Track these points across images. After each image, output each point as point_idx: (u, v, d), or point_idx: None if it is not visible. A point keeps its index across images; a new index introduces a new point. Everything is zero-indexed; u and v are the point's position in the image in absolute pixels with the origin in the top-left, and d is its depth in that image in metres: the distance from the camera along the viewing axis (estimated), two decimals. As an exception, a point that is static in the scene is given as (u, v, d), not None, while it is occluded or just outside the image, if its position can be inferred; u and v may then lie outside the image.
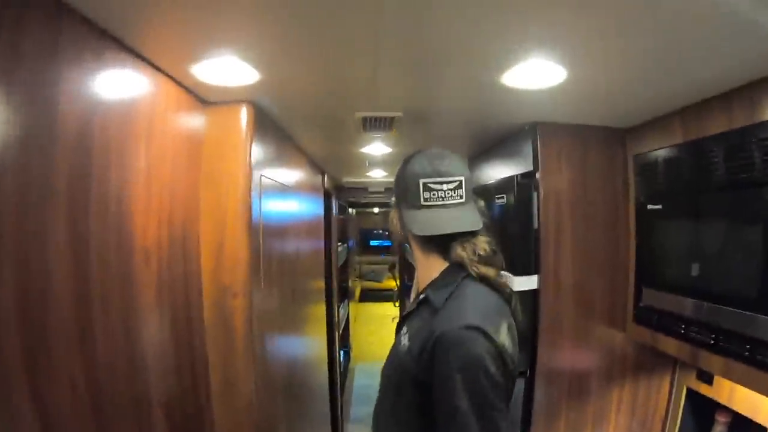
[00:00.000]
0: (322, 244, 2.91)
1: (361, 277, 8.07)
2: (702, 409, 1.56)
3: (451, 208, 0.97)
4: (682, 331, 1.33)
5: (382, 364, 1.03)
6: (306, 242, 2.27)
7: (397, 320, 1.19)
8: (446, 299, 0.91)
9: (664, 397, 1.71)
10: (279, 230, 1.65)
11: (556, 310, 1.60)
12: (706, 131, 1.24)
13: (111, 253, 0.90)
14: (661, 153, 1.43)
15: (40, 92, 0.72)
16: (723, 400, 1.43)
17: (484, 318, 0.86)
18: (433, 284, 0.98)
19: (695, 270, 1.28)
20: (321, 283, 2.91)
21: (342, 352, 4.20)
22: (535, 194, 1.61)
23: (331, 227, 3.32)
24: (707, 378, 1.50)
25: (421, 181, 0.97)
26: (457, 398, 0.80)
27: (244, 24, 0.88)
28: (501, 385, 0.84)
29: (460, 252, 0.95)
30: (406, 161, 1.03)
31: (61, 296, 0.76)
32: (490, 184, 1.94)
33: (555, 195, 1.61)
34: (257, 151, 1.35)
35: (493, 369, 0.82)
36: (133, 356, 0.97)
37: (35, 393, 0.69)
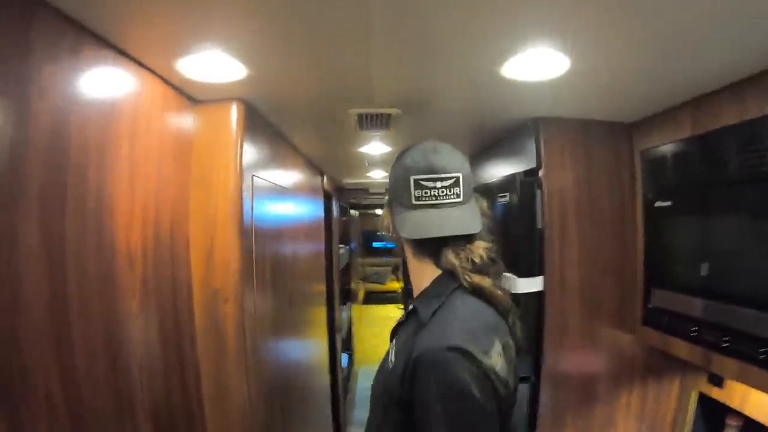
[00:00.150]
0: (322, 246, 2.87)
1: (365, 279, 8.02)
2: (712, 413, 1.51)
3: (446, 209, 0.87)
4: (694, 334, 1.27)
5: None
6: (304, 244, 2.22)
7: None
8: (433, 313, 0.82)
9: (673, 400, 1.66)
10: (274, 232, 1.60)
11: (561, 312, 1.55)
12: (717, 123, 1.19)
13: (90, 256, 0.86)
14: (670, 147, 1.38)
15: (9, 89, 0.68)
16: (734, 404, 1.39)
17: (471, 337, 0.76)
18: (424, 294, 0.89)
19: (707, 269, 1.23)
20: (321, 286, 2.87)
21: (345, 355, 4.16)
22: (538, 193, 1.56)
23: (331, 229, 3.27)
24: (718, 381, 1.45)
25: (412, 178, 0.88)
26: (437, 429, 0.72)
27: (229, 16, 0.84)
28: (489, 414, 0.74)
29: (452, 259, 0.86)
30: (399, 156, 0.95)
31: (33, 301, 0.72)
32: (491, 182, 1.89)
33: (559, 193, 1.56)
34: (249, 151, 1.31)
35: (479, 396, 0.72)
36: (116, 366, 0.93)
37: (5, 409, 0.65)
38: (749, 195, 1.09)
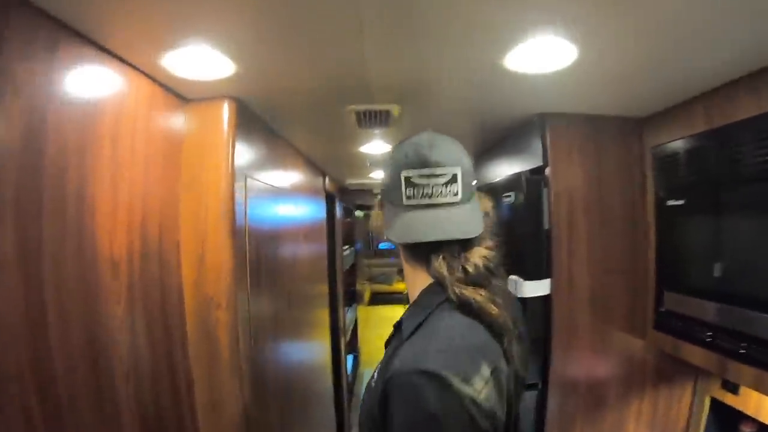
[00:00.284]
0: (324, 247, 2.82)
1: (371, 280, 7.99)
2: (726, 420, 1.46)
3: (442, 209, 0.77)
4: (708, 339, 1.22)
5: None
6: (305, 246, 2.18)
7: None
8: (415, 328, 0.71)
9: (685, 406, 1.60)
10: (270, 234, 1.56)
11: (569, 316, 1.50)
12: (733, 117, 1.13)
13: (69, 262, 0.83)
14: (682, 143, 1.32)
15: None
16: (749, 410, 1.34)
17: (450, 360, 0.64)
18: (413, 305, 0.80)
19: (722, 271, 1.18)
20: (323, 288, 2.82)
21: (350, 357, 4.12)
22: (545, 192, 1.51)
23: (335, 230, 3.23)
24: (732, 387, 1.40)
25: (403, 174, 0.78)
26: None
27: (215, 10, 0.80)
28: None
29: (440, 267, 0.75)
30: (392, 150, 0.86)
31: (7, 307, 0.69)
32: (496, 182, 1.83)
33: (567, 192, 1.50)
34: (242, 151, 1.26)
35: (449, 430, 0.61)
36: (99, 375, 0.89)
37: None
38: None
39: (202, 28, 0.86)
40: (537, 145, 1.54)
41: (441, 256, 0.76)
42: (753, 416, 1.32)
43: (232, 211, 1.17)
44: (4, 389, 0.67)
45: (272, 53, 0.97)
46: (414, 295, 0.82)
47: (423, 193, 0.77)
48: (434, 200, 0.77)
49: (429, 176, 0.77)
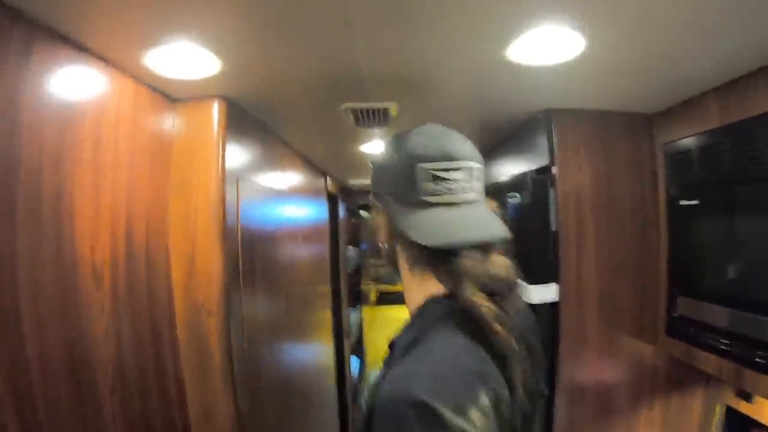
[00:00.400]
0: (325, 248, 2.78)
1: (377, 280, 7.95)
2: (738, 427, 1.40)
3: (465, 207, 0.69)
4: (723, 347, 1.16)
5: None
6: (305, 248, 2.13)
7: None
8: (407, 347, 0.63)
9: (697, 414, 1.54)
10: (266, 237, 1.51)
11: (578, 321, 1.45)
12: (750, 111, 1.07)
13: (47, 271, 0.79)
14: (695, 140, 1.25)
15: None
16: (764, 419, 1.28)
17: (445, 387, 0.55)
18: (412, 320, 0.72)
19: (738, 275, 1.12)
20: (325, 289, 2.78)
21: (355, 359, 4.08)
22: (551, 192, 1.45)
23: (338, 231, 3.19)
24: (746, 394, 1.34)
25: (422, 166, 0.68)
26: None
27: (195, 5, 0.76)
28: None
29: (465, 270, 0.65)
30: (396, 141, 0.75)
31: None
32: (500, 182, 1.78)
33: (575, 192, 1.44)
34: (234, 153, 1.22)
35: None
36: (83, 391, 0.85)
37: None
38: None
39: (183, 25, 0.82)
40: (543, 143, 1.49)
41: (466, 261, 0.66)
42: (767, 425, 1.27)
43: (223, 214, 1.13)
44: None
45: (257, 49, 0.93)
46: (413, 307, 0.73)
47: (446, 187, 0.68)
48: (457, 197, 0.69)
49: (453, 170, 0.69)
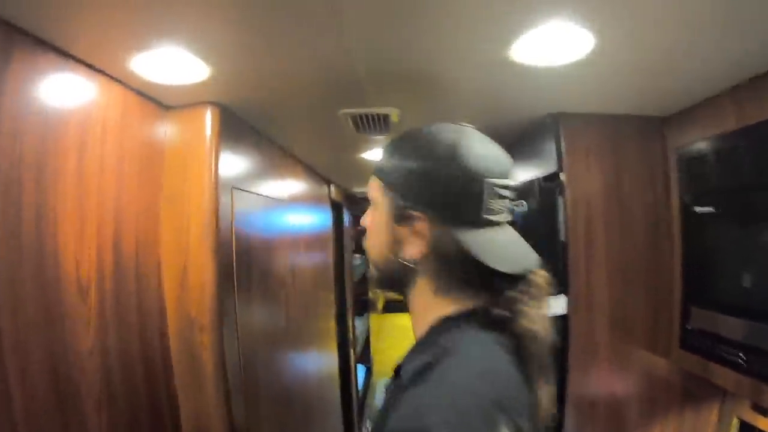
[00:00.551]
0: (329, 257, 2.73)
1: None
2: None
3: (505, 228, 0.66)
4: (740, 361, 1.11)
5: None
6: (306, 257, 2.09)
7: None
8: (417, 373, 0.56)
9: (712, 429, 1.46)
10: (264, 247, 1.47)
11: (588, 334, 1.39)
12: (768, 112, 1.01)
13: (27, 286, 0.76)
14: (710, 143, 1.19)
15: None
16: None
17: (461, 421, 0.49)
18: (422, 343, 0.65)
19: (756, 286, 1.07)
20: (329, 298, 2.73)
21: (361, 368, 4.03)
22: (560, 200, 1.40)
23: (343, 240, 3.15)
24: (763, 410, 1.28)
25: (490, 182, 0.62)
26: None
27: (180, 9, 0.73)
28: None
29: (519, 303, 0.61)
30: (444, 147, 0.65)
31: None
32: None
33: (584, 200, 1.39)
34: (228, 162, 1.18)
35: None
36: (66, 410, 0.82)
37: None
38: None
39: (168, 29, 0.79)
40: (550, 149, 1.43)
41: (524, 287, 0.62)
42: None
43: (216, 226, 1.09)
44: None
45: (246, 54, 0.89)
46: (422, 329, 0.66)
47: (503, 207, 0.65)
48: (504, 216, 0.66)
49: (510, 188, 0.66)
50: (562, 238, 1.39)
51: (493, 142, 0.68)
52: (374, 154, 1.98)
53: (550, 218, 1.41)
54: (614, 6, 0.74)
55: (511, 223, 0.70)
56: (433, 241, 0.65)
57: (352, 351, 3.28)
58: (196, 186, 1.09)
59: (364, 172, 2.50)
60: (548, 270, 0.68)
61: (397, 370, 0.64)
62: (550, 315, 0.67)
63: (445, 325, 0.63)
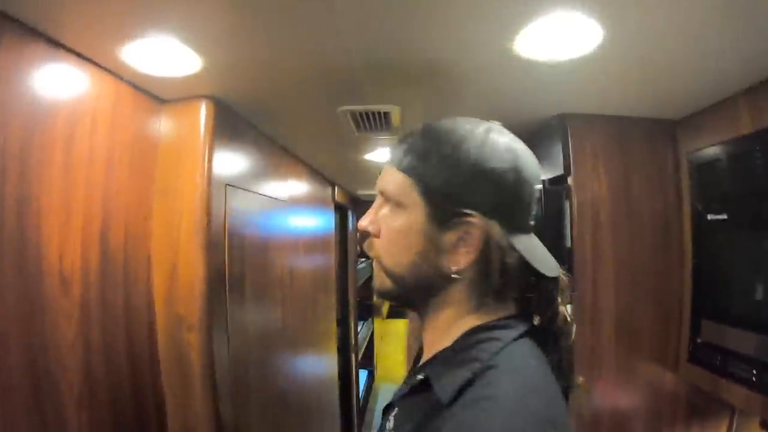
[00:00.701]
0: (330, 260, 2.70)
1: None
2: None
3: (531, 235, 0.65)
4: (752, 377, 1.06)
5: None
6: (306, 259, 2.06)
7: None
8: (459, 392, 0.52)
9: (720, 446, 1.42)
10: (260, 248, 1.44)
11: (593, 346, 1.34)
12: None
13: (8, 278, 0.74)
14: (724, 148, 1.15)
15: None
16: None
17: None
18: (443, 356, 0.61)
19: None
20: (330, 302, 2.70)
21: (364, 372, 3.99)
22: (566, 205, 1.35)
23: (347, 242, 3.12)
24: None
25: (536, 188, 0.62)
26: None
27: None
28: None
29: (555, 306, 0.62)
30: (505, 146, 0.61)
31: None
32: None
33: (591, 205, 1.34)
34: (223, 158, 1.15)
35: None
36: (44, 407, 0.79)
37: None
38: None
39: (156, 17, 0.76)
40: (557, 151, 1.39)
41: (555, 292, 0.63)
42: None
43: (207, 224, 1.06)
44: None
45: (237, 45, 0.86)
46: (448, 340, 0.62)
47: (536, 212, 0.64)
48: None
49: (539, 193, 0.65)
50: (568, 244, 1.34)
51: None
52: (378, 154, 1.94)
53: (556, 223, 1.36)
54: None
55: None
56: (484, 247, 0.59)
57: (353, 355, 3.24)
58: (188, 181, 1.07)
59: (369, 174, 2.47)
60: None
61: (421, 384, 0.59)
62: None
63: (477, 336, 0.59)
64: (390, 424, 0.62)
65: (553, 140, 1.41)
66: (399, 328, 6.41)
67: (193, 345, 1.06)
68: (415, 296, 0.66)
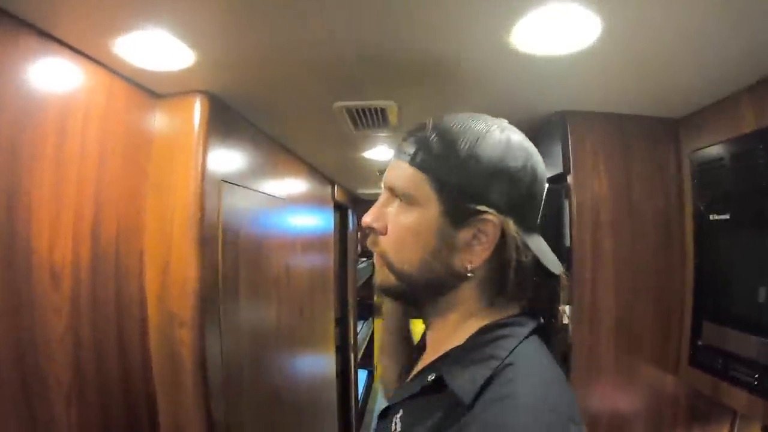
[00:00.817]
0: (329, 259, 2.68)
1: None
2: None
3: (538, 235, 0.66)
4: (755, 382, 1.04)
5: None
6: (304, 258, 2.05)
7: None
8: (479, 390, 0.52)
9: (721, 450, 1.40)
10: (256, 246, 1.43)
11: (592, 348, 1.31)
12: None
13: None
14: (727, 147, 1.13)
15: None
16: None
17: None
18: (455, 355, 0.60)
19: None
20: (328, 301, 2.68)
21: (363, 372, 3.97)
22: (566, 204, 1.34)
23: (346, 242, 3.11)
24: None
25: (546, 188, 0.64)
26: None
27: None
28: None
29: (557, 304, 0.68)
30: (520, 144, 0.61)
31: None
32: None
33: (592, 205, 1.33)
34: (217, 154, 1.14)
35: None
36: (31, 403, 0.78)
37: None
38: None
39: (148, 10, 0.75)
40: (556, 150, 1.37)
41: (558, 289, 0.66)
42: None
43: (200, 220, 1.05)
44: None
45: (230, 38, 0.85)
46: (448, 341, 0.62)
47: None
48: None
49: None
50: (568, 244, 1.32)
51: None
52: (377, 152, 1.93)
53: (555, 223, 1.35)
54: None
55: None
56: (499, 245, 0.58)
57: (352, 355, 3.23)
58: (182, 176, 1.06)
59: (368, 172, 2.46)
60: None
61: (434, 384, 0.58)
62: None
63: (492, 333, 0.59)
64: (397, 427, 0.60)
65: (552, 138, 1.39)
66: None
67: (186, 342, 1.05)
68: (422, 295, 0.65)
